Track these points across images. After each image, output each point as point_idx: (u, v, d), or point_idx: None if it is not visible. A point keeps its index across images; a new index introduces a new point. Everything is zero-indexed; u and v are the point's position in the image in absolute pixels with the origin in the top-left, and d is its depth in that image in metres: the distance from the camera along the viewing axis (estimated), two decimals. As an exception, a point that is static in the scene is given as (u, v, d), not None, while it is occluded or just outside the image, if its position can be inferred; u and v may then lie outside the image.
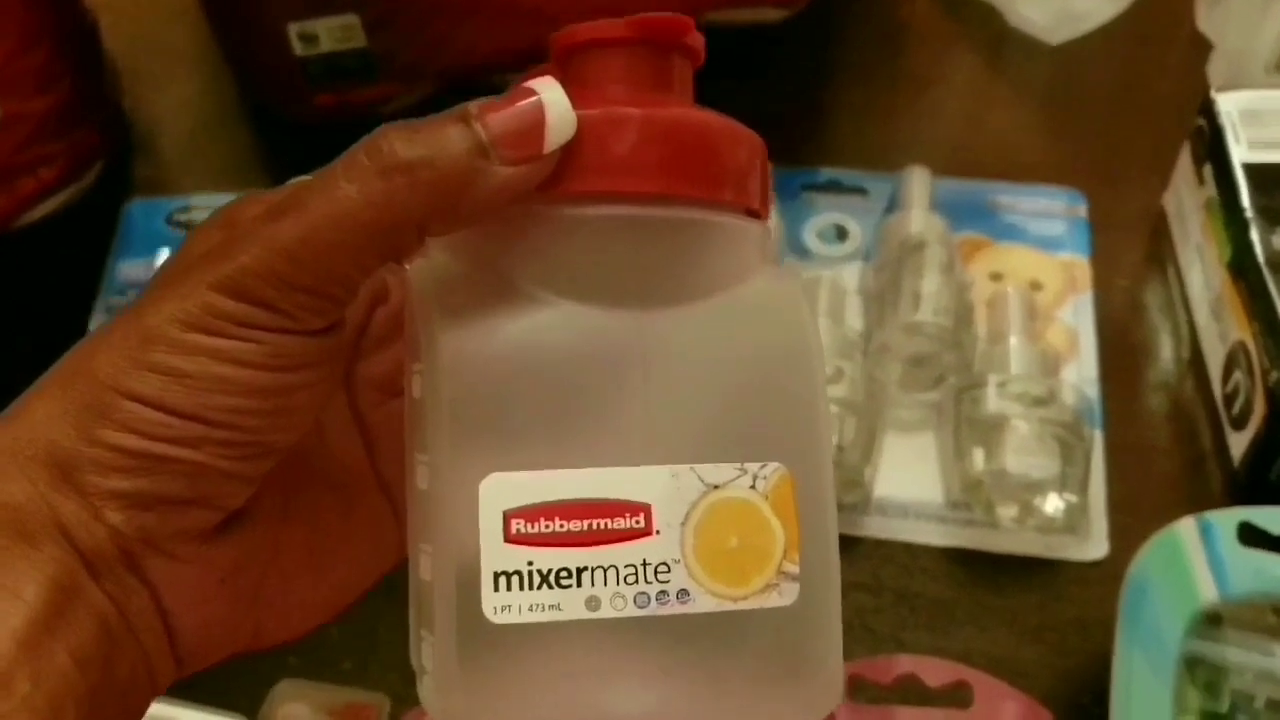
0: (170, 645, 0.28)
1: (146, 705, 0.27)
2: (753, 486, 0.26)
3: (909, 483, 0.55)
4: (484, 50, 0.65)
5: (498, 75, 0.64)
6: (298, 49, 0.63)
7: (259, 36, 0.64)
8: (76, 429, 0.25)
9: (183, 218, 0.65)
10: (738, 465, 0.26)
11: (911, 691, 0.48)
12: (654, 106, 0.27)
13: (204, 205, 0.65)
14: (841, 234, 0.63)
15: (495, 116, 0.25)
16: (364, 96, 0.66)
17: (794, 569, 0.26)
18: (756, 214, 0.28)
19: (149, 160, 0.69)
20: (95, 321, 0.61)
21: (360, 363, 0.32)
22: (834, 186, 0.65)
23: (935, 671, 0.49)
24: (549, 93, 0.26)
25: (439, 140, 0.25)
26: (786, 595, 0.26)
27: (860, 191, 0.64)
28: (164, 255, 0.60)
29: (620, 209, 0.26)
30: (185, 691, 0.42)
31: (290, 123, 0.68)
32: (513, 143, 0.25)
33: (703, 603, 0.26)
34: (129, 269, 0.63)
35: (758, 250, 0.28)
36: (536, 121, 0.25)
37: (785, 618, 0.26)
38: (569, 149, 0.26)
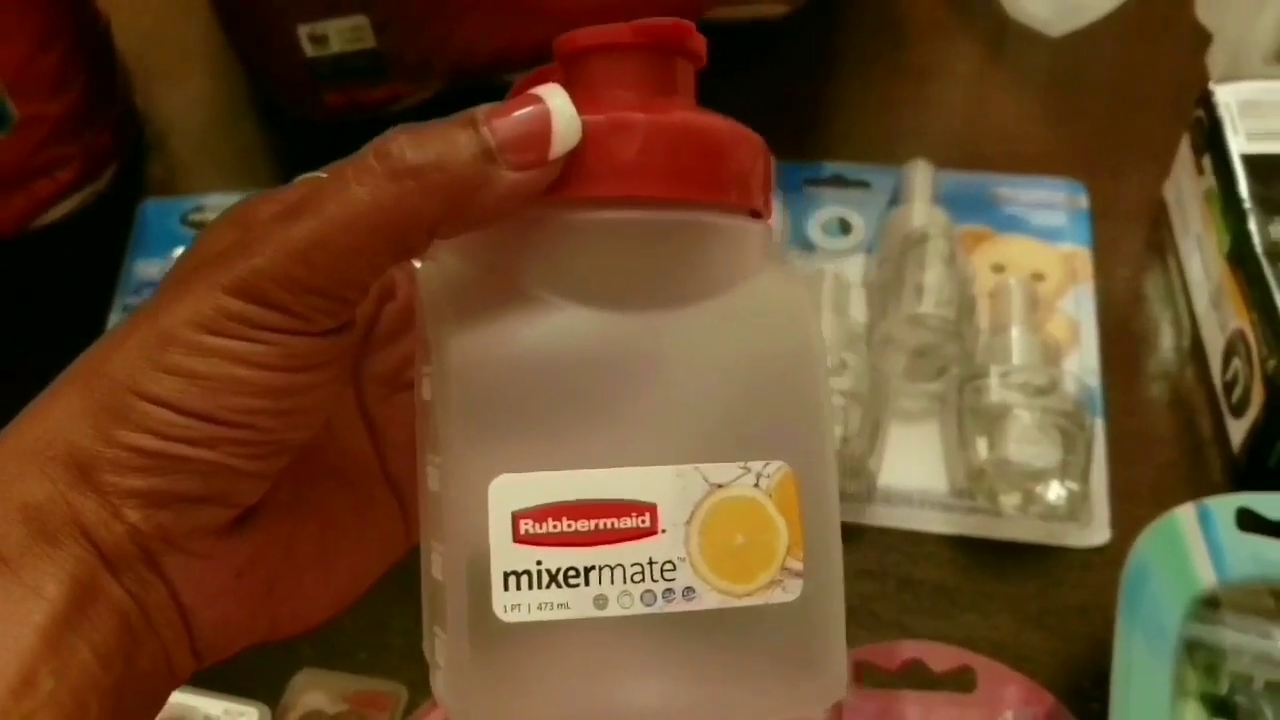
0: (189, 639, 0.28)
1: (166, 697, 0.28)
2: (756, 485, 0.27)
3: (913, 472, 0.56)
4: (491, 48, 0.66)
5: (505, 73, 0.65)
6: (308, 50, 0.64)
7: (269, 38, 0.65)
8: (95, 430, 0.26)
9: (197, 218, 0.66)
10: (741, 464, 0.27)
11: (916, 676, 0.49)
12: (658, 111, 0.27)
13: (217, 207, 0.66)
14: (845, 227, 0.64)
15: (502, 122, 0.26)
16: (373, 96, 0.67)
17: (798, 565, 0.27)
18: (759, 214, 0.29)
19: (162, 160, 0.70)
20: (113, 322, 0.62)
21: (368, 358, 0.32)
22: (837, 180, 0.65)
23: (939, 656, 0.50)
24: (555, 100, 0.26)
25: (447, 145, 0.25)
26: (791, 591, 0.27)
27: (863, 185, 0.65)
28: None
29: (626, 213, 0.27)
30: (207, 681, 0.43)
31: (301, 121, 0.69)
32: (519, 148, 0.25)
33: (708, 600, 0.26)
34: (145, 269, 0.64)
35: (761, 250, 0.29)
36: (543, 128, 0.26)
37: (790, 613, 0.27)
38: (575, 154, 0.26)
